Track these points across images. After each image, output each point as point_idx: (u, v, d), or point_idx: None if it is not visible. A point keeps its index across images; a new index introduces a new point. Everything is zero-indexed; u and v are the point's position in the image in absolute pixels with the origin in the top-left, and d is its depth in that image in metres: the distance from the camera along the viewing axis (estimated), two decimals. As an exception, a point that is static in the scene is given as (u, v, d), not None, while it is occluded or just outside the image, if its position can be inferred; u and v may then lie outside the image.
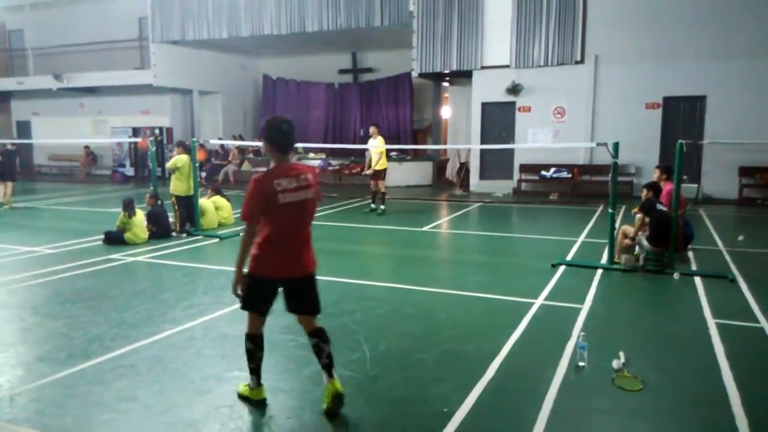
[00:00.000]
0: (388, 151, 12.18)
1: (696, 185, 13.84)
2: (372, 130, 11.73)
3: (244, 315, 3.70)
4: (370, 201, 12.39)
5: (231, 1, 18.23)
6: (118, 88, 20.78)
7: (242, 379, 3.88)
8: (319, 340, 3.62)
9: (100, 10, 21.48)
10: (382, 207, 11.99)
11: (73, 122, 22.82)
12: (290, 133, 3.56)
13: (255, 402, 3.68)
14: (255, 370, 3.69)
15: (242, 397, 3.75)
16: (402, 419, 3.54)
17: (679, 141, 7.04)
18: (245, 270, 3.51)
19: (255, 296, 3.55)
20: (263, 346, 3.70)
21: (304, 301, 3.62)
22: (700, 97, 14.32)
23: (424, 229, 10.56)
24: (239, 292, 3.54)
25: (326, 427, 3.45)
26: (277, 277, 3.53)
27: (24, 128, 23.99)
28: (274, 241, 3.48)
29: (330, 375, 3.59)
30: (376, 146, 11.68)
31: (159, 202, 9.57)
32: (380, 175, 11.86)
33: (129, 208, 8.84)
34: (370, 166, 12.07)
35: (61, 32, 21.53)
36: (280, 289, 3.61)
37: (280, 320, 5.10)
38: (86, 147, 22.16)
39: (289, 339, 4.80)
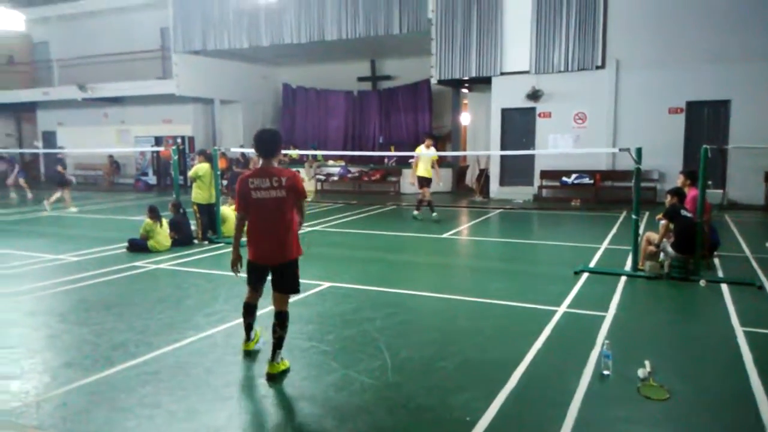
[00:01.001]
0: (408, 157, 12.29)
1: (721, 191, 13.66)
2: (428, 142, 12.01)
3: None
4: (422, 207, 12.35)
5: (251, 11, 18.45)
6: (141, 97, 21.13)
7: (263, 386, 3.97)
8: (277, 323, 4.25)
9: (123, 21, 21.90)
10: (422, 214, 12.22)
11: (97, 132, 23.24)
12: (269, 140, 4.25)
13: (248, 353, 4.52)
14: (246, 330, 4.61)
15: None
16: (423, 428, 3.52)
17: (704, 146, 6.94)
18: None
19: (249, 275, 4.43)
20: (254, 314, 4.57)
21: (279, 282, 4.29)
22: (724, 101, 14.10)
23: (444, 236, 10.52)
24: (239, 269, 4.37)
25: (348, 435, 3.44)
26: (260, 262, 4.31)
27: (49, 138, 24.47)
28: (253, 231, 4.27)
29: (273, 356, 4.19)
30: (432, 154, 11.96)
31: (181, 211, 9.68)
32: (429, 183, 12.14)
33: (155, 214, 8.95)
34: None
35: (86, 44, 21.98)
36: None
37: (300, 327, 5.14)
38: (110, 156, 22.54)
39: (310, 346, 4.80)
